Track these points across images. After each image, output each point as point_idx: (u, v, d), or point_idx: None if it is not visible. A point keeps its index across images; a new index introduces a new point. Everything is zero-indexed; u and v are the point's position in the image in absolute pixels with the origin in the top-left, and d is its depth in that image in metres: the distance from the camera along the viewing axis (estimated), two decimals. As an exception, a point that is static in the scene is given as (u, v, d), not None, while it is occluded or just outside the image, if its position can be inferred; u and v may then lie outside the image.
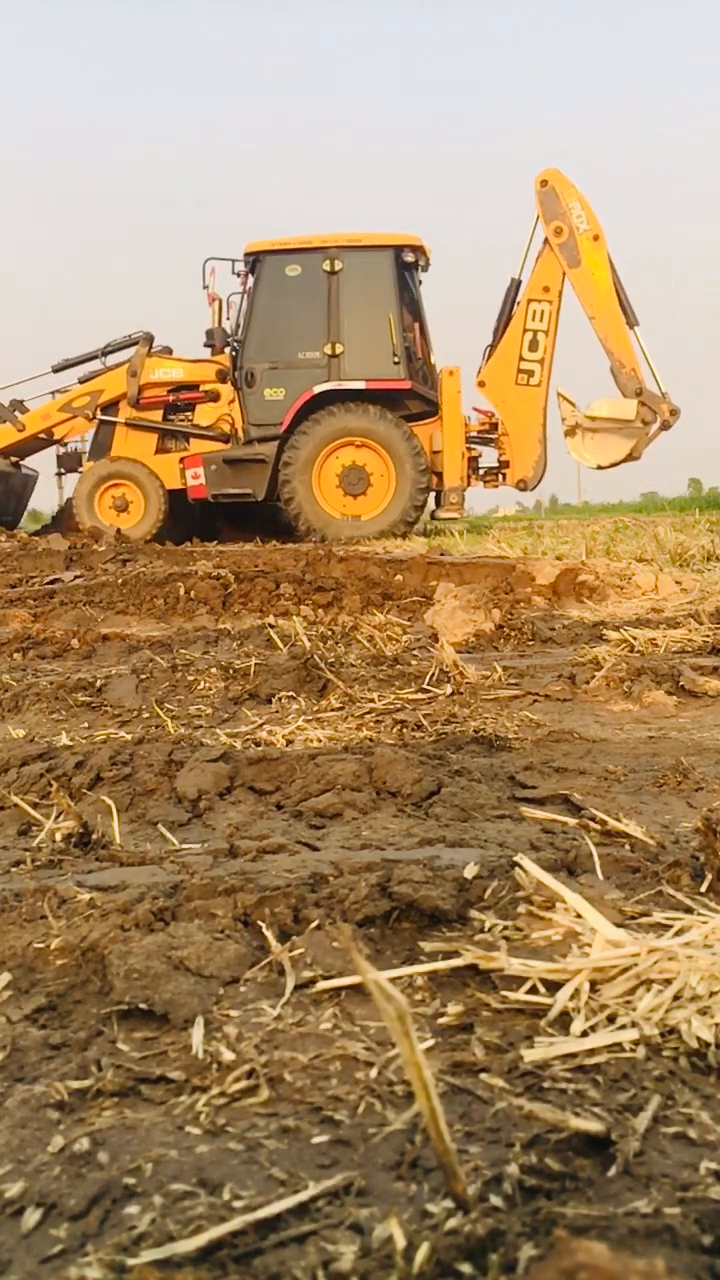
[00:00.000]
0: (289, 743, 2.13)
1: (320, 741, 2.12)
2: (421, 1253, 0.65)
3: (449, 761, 1.86)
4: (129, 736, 2.11)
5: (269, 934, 1.11)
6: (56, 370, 12.19)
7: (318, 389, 11.33)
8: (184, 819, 1.69)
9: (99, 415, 11.89)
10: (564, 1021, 0.95)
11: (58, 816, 1.57)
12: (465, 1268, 0.64)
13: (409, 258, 11.62)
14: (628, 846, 1.41)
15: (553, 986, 0.99)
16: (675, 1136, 0.78)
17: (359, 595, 4.64)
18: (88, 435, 12.37)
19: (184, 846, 1.52)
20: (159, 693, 2.68)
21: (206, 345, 12.09)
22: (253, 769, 1.82)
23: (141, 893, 1.19)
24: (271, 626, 3.74)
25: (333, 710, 2.42)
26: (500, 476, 11.80)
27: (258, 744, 2.11)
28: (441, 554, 6.52)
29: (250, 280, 11.75)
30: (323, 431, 11.24)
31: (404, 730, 2.21)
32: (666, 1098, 0.83)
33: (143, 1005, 0.98)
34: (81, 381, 12.14)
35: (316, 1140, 0.80)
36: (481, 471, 11.88)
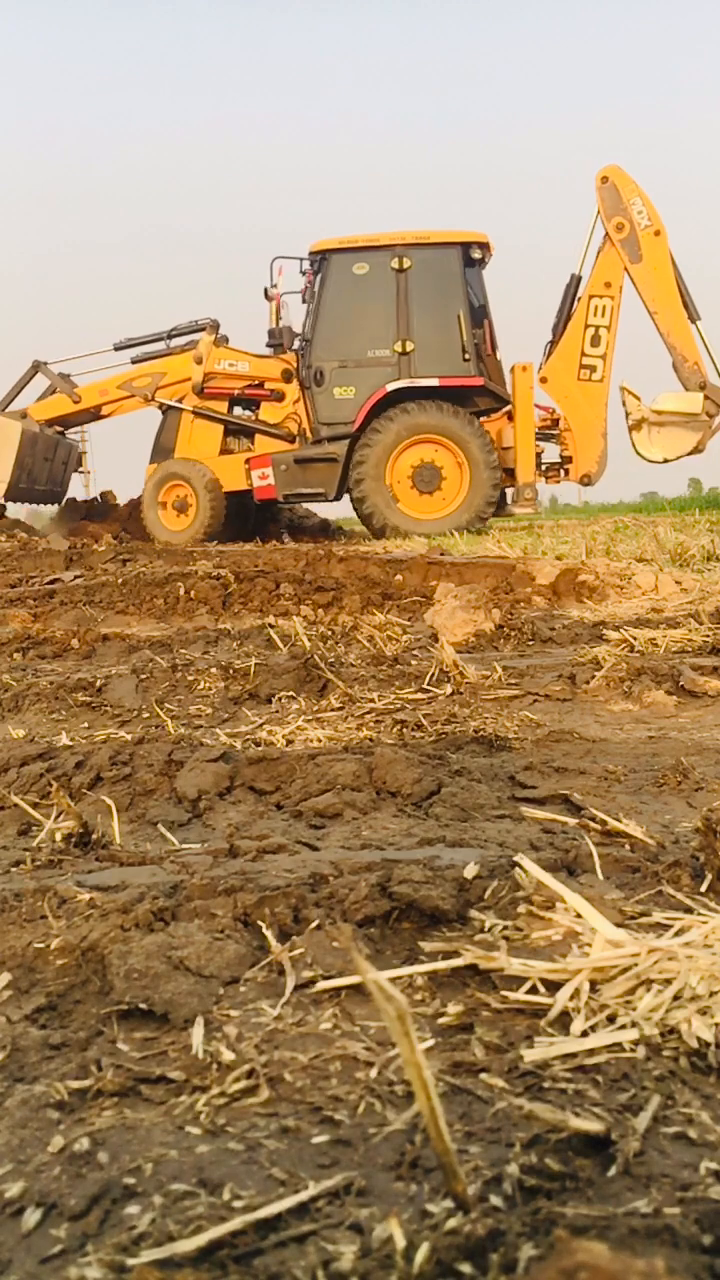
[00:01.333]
0: (289, 743, 2.13)
1: (320, 741, 2.12)
2: (421, 1253, 0.65)
3: (449, 761, 1.86)
4: (129, 736, 2.11)
5: (269, 934, 1.11)
6: (118, 349, 11.99)
7: (391, 386, 11.29)
8: (184, 819, 1.69)
9: (157, 399, 11.74)
10: (564, 1021, 0.95)
11: (58, 816, 1.57)
12: (465, 1268, 0.64)
13: (475, 254, 11.59)
14: (628, 846, 1.41)
15: (553, 986, 0.99)
16: (675, 1136, 0.78)
17: (359, 595, 4.64)
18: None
19: (184, 846, 1.52)
20: (159, 693, 2.68)
21: (270, 345, 12.00)
22: (253, 769, 1.82)
23: (141, 893, 1.19)
24: (271, 626, 3.74)
25: (333, 710, 2.42)
26: (563, 472, 11.81)
27: (258, 744, 2.11)
28: (441, 554, 6.52)
29: (316, 279, 11.69)
30: (396, 429, 11.18)
31: (404, 730, 2.21)
32: (666, 1098, 0.83)
33: (143, 1005, 0.98)
34: (134, 362, 11.97)
35: (316, 1140, 0.80)
36: (544, 467, 11.85)
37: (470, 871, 1.23)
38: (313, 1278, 0.65)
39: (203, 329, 11.78)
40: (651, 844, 1.41)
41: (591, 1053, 0.89)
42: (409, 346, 11.42)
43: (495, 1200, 0.71)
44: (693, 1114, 0.81)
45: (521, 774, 1.82)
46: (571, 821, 1.53)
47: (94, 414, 12.28)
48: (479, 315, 11.69)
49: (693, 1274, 0.63)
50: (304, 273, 11.85)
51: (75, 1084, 0.87)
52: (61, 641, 3.64)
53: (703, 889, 1.22)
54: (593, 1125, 0.77)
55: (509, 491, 11.72)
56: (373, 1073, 0.89)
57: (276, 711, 2.47)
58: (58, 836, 1.52)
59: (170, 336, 11.93)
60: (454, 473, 11.25)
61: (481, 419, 11.51)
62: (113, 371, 12.04)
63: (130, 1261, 0.66)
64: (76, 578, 5.93)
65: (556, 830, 1.52)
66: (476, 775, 1.79)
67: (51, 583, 5.76)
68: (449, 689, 2.59)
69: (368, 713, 2.36)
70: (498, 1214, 0.69)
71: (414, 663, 3.00)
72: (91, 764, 1.85)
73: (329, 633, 3.70)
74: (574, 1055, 0.89)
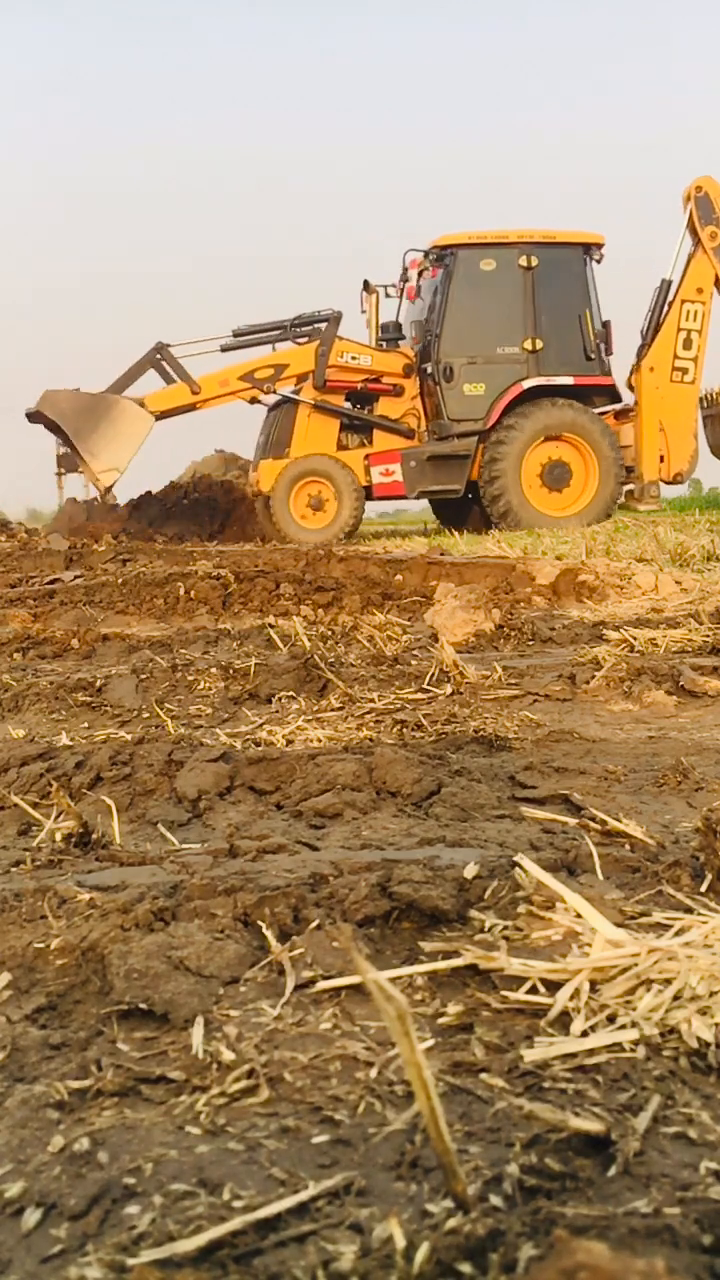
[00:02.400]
0: (289, 743, 2.13)
1: (320, 741, 2.12)
2: (421, 1253, 0.65)
3: (449, 761, 1.86)
4: (129, 736, 2.11)
5: (269, 934, 1.11)
6: (237, 335, 11.74)
7: (527, 384, 11.36)
8: (184, 819, 1.69)
9: (277, 391, 11.55)
10: (564, 1021, 0.95)
11: (58, 816, 1.57)
12: (465, 1268, 0.64)
13: (595, 255, 11.76)
14: (628, 846, 1.41)
15: (553, 986, 0.99)
16: (675, 1136, 0.78)
17: (359, 595, 4.64)
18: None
19: (184, 846, 1.52)
20: (159, 693, 2.68)
21: (383, 340, 11.94)
22: (253, 769, 1.82)
23: (141, 893, 1.19)
24: (271, 626, 3.74)
25: (333, 710, 2.42)
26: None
27: (258, 744, 2.11)
28: (441, 554, 6.52)
29: (440, 274, 11.66)
30: (531, 426, 11.25)
31: (404, 730, 2.21)
32: (666, 1098, 0.83)
33: (143, 1005, 0.98)
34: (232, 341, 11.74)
35: (316, 1140, 0.80)
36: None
37: (470, 871, 1.23)
38: (313, 1278, 0.65)
39: (325, 320, 11.64)
40: (651, 844, 1.41)
41: (591, 1053, 0.89)
42: (538, 344, 11.51)
43: (495, 1200, 0.71)
44: (693, 1114, 0.81)
45: (521, 774, 1.82)
46: (571, 821, 1.53)
47: (189, 406, 11.84)
48: (597, 315, 11.86)
49: (693, 1274, 0.63)
50: (425, 267, 11.82)
51: (75, 1084, 0.87)
52: (61, 641, 3.64)
53: (703, 889, 1.21)
54: (593, 1125, 0.77)
55: (629, 489, 11.82)
56: (373, 1073, 0.89)
57: (276, 711, 2.47)
58: (58, 836, 1.52)
59: (293, 326, 11.71)
60: (581, 471, 11.37)
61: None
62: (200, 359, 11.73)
63: (130, 1261, 0.66)
64: (76, 578, 5.93)
65: (556, 830, 1.52)
66: (476, 775, 1.79)
67: (51, 583, 5.76)
68: (449, 689, 2.59)
69: (368, 713, 2.36)
70: (498, 1214, 0.69)
71: (414, 663, 3.00)
72: (91, 764, 1.85)
73: (329, 633, 3.70)
74: (574, 1055, 0.89)
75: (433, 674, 2.69)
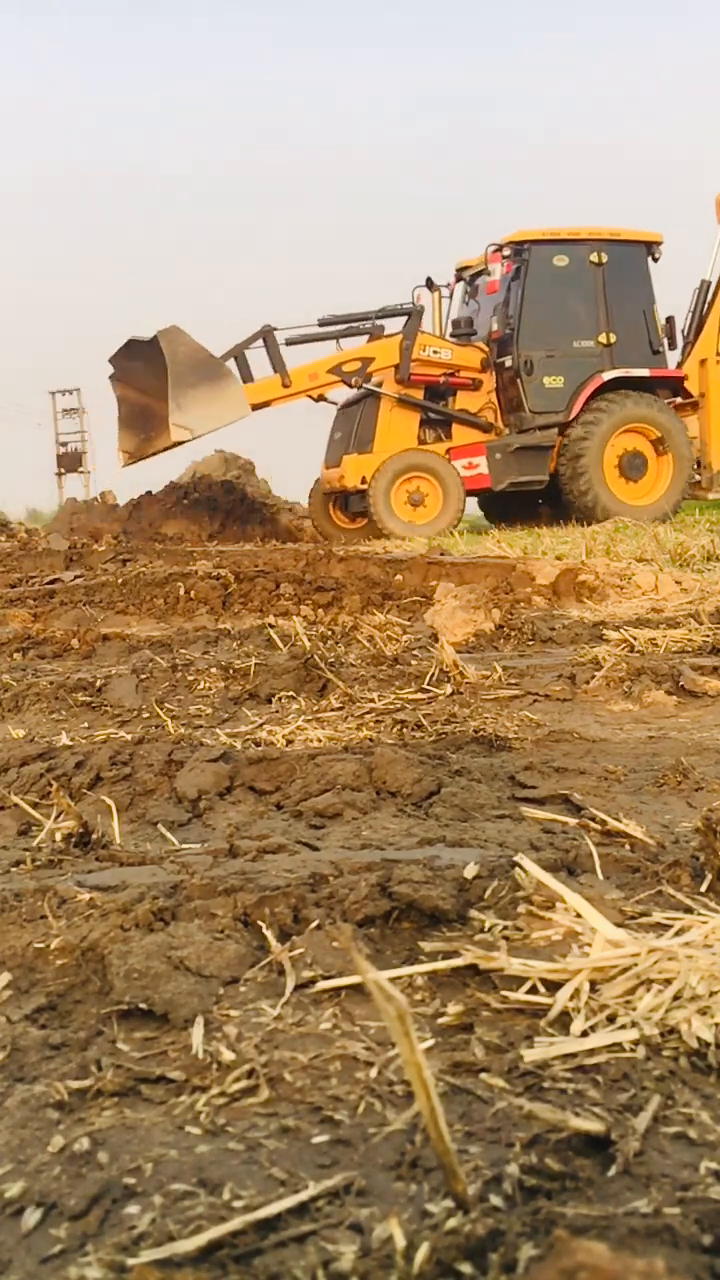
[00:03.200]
0: (289, 743, 2.13)
1: (320, 741, 2.12)
2: (421, 1253, 0.65)
3: (449, 761, 1.86)
4: (129, 736, 2.11)
5: (269, 934, 1.11)
6: (323, 325, 11.66)
7: (606, 376, 11.58)
8: (184, 819, 1.69)
9: (363, 385, 11.53)
10: (564, 1021, 0.95)
11: (58, 816, 1.57)
12: (465, 1268, 0.64)
13: (656, 253, 12.06)
14: (628, 846, 1.41)
15: (553, 986, 0.99)
16: (675, 1136, 0.78)
17: (359, 595, 4.64)
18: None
19: (184, 846, 1.52)
20: (159, 693, 2.68)
21: (456, 334, 12.07)
22: (253, 769, 1.82)
23: (141, 893, 1.19)
24: (271, 626, 3.74)
25: (333, 710, 2.42)
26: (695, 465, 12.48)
27: (258, 744, 2.11)
28: (441, 554, 6.52)
29: (515, 268, 11.85)
30: (612, 418, 11.48)
31: (404, 730, 2.21)
32: (666, 1098, 0.83)
33: (143, 1005, 0.98)
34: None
35: (316, 1140, 0.80)
36: None
37: (470, 871, 1.23)
38: (313, 1278, 0.65)
39: (408, 313, 11.63)
40: (651, 844, 1.41)
41: (591, 1053, 0.89)
42: (611, 338, 11.76)
43: (495, 1200, 0.71)
44: (693, 1114, 0.81)
45: (521, 774, 1.82)
46: (571, 821, 1.53)
47: (279, 399, 11.69)
48: (659, 311, 12.19)
49: (693, 1274, 0.63)
50: (505, 260, 11.94)
51: (75, 1084, 0.87)
52: (61, 641, 3.64)
53: (703, 889, 1.21)
54: (593, 1125, 0.77)
55: (696, 479, 12.09)
56: (373, 1073, 0.89)
57: (276, 711, 2.47)
58: (58, 836, 1.52)
59: (378, 317, 11.71)
60: (654, 461, 11.66)
61: None
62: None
63: (130, 1261, 0.66)
64: (76, 578, 5.93)
65: (556, 830, 1.52)
66: (476, 775, 1.79)
67: (51, 583, 5.76)
68: (449, 689, 2.59)
69: (368, 713, 2.36)
70: (498, 1214, 0.69)
71: (414, 663, 3.00)
72: (91, 764, 1.85)
73: (329, 633, 3.70)
74: (574, 1055, 0.89)
75: (433, 674, 2.69)
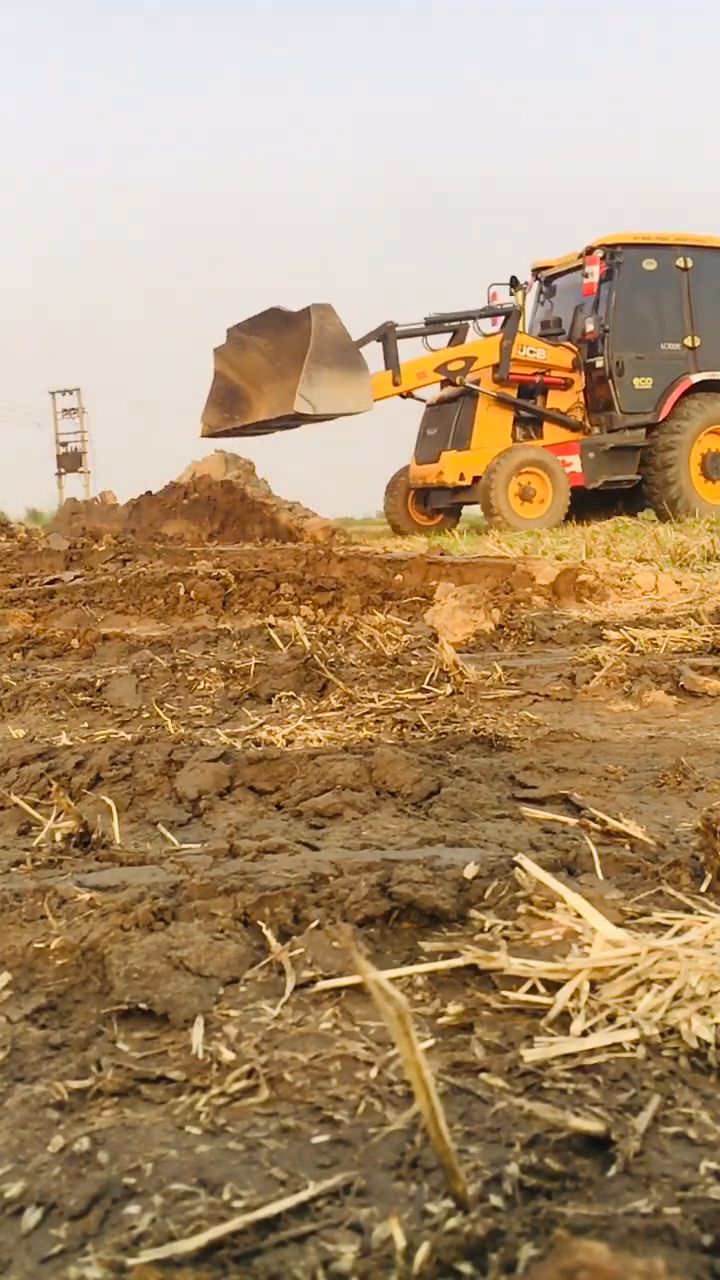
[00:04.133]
0: (289, 742, 2.13)
1: (320, 741, 2.12)
2: (421, 1253, 0.65)
3: (449, 761, 1.86)
4: (129, 736, 2.11)
5: (269, 934, 1.11)
6: (428, 322, 11.88)
7: (695, 378, 11.95)
8: (184, 819, 1.69)
9: (465, 383, 11.76)
10: (564, 1021, 0.95)
11: (58, 816, 1.57)
12: (465, 1268, 0.64)
13: None
14: (628, 846, 1.41)
15: (553, 986, 0.99)
16: (675, 1136, 0.78)
17: (359, 595, 4.64)
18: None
19: (184, 846, 1.52)
20: (159, 693, 2.68)
21: (545, 334, 12.42)
22: (253, 769, 1.82)
23: (141, 893, 1.19)
24: (271, 626, 3.74)
25: (333, 710, 2.42)
26: None
27: (258, 744, 2.11)
28: (441, 554, 6.52)
29: (606, 271, 12.14)
30: (699, 419, 11.88)
31: (404, 730, 2.21)
32: (666, 1098, 0.83)
33: (143, 1005, 0.98)
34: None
35: (316, 1140, 0.80)
36: None
37: (470, 871, 1.23)
38: (313, 1278, 0.65)
39: (507, 312, 11.90)
40: (651, 844, 1.41)
41: (591, 1053, 0.89)
42: (697, 341, 12.12)
43: (495, 1200, 0.71)
44: (693, 1114, 0.81)
45: (521, 774, 1.82)
46: (571, 821, 1.53)
47: (389, 396, 11.91)
48: None
49: (693, 1274, 0.63)
50: (602, 261, 12.23)
51: (75, 1084, 0.87)
52: (61, 641, 3.64)
53: (703, 889, 1.22)
54: (593, 1125, 0.77)
55: None
56: (373, 1073, 0.89)
57: (276, 711, 2.47)
58: (58, 836, 1.52)
59: (480, 317, 11.99)
60: None
61: None
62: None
63: (130, 1261, 0.66)
64: (76, 578, 5.93)
65: (556, 830, 1.52)
66: (476, 775, 1.79)
67: (51, 583, 5.76)
68: (449, 689, 2.59)
69: (368, 713, 2.36)
70: (498, 1214, 0.69)
71: (414, 663, 3.00)
72: (91, 764, 1.85)
73: (329, 633, 3.70)
74: (574, 1055, 0.89)
75: (433, 674, 2.69)
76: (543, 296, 13.08)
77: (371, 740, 2.10)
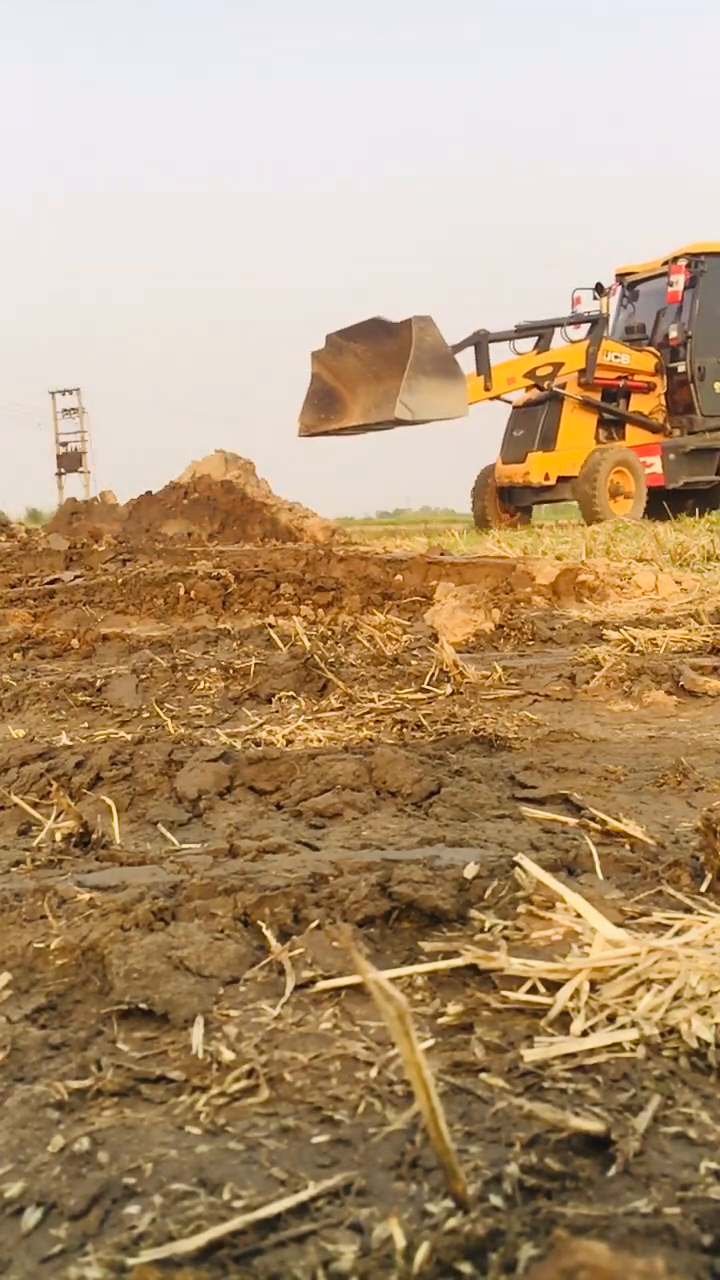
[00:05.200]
0: (289, 742, 2.13)
1: (320, 741, 2.12)
2: (421, 1252, 0.65)
3: (449, 761, 1.86)
4: (129, 736, 2.11)
5: (269, 934, 1.11)
6: (519, 329, 12.30)
7: None
8: (184, 819, 1.69)
9: (552, 388, 12.24)
10: (564, 1021, 0.95)
11: (58, 816, 1.57)
12: (465, 1267, 0.64)
13: None
14: (628, 846, 1.41)
15: (553, 986, 0.99)
16: (675, 1136, 0.78)
17: (359, 595, 4.64)
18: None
19: (184, 846, 1.52)
20: (159, 693, 2.68)
21: (628, 339, 12.94)
22: (253, 769, 1.82)
23: (141, 892, 1.19)
24: (271, 626, 3.74)
25: (333, 710, 2.42)
26: None
27: (258, 744, 2.11)
28: (441, 554, 6.52)
29: (691, 278, 12.66)
30: None
31: (404, 730, 2.21)
32: (666, 1097, 0.83)
33: (143, 1005, 0.98)
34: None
35: (316, 1140, 0.80)
36: None
37: (470, 871, 1.23)
38: (313, 1278, 0.65)
39: (593, 319, 12.34)
40: (651, 844, 1.41)
41: (591, 1053, 0.89)
42: None
43: (495, 1200, 0.71)
44: (693, 1114, 0.81)
45: (521, 774, 1.82)
46: (571, 821, 1.53)
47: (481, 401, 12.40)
48: None
49: (693, 1274, 0.63)
50: (687, 269, 12.75)
51: (75, 1084, 0.87)
52: (61, 641, 3.64)
53: (703, 889, 1.21)
54: (593, 1125, 0.77)
55: None
56: (373, 1073, 0.89)
57: (276, 711, 2.47)
58: (58, 836, 1.52)
59: (567, 323, 12.42)
60: None
61: None
62: None
63: (130, 1261, 0.66)
64: (76, 578, 5.93)
65: (556, 830, 1.52)
66: (476, 775, 1.79)
67: (51, 583, 5.76)
68: (449, 689, 2.59)
69: (368, 713, 2.36)
70: (498, 1214, 0.69)
71: (414, 663, 3.00)
72: (91, 764, 1.85)
73: (329, 633, 3.70)
74: (574, 1055, 0.89)
75: (433, 674, 2.69)
76: (625, 301, 13.62)
77: (371, 740, 2.10)
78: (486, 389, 11.88)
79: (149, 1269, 0.63)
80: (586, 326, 12.41)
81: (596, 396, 12.45)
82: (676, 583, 4.59)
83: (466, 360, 11.67)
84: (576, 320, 12.41)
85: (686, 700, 2.52)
